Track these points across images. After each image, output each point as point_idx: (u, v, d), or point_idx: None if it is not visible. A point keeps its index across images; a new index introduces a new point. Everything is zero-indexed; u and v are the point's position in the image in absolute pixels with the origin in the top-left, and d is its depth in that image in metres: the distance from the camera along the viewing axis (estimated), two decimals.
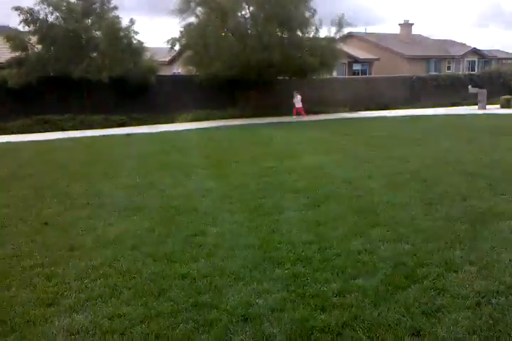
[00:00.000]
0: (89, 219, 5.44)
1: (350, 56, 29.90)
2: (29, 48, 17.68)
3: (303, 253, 4.12)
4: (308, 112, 20.89)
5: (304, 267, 3.82)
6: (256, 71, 19.20)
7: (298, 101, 20.36)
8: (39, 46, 17.79)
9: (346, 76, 29.55)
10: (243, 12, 19.37)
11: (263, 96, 21.29)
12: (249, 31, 19.23)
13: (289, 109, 20.73)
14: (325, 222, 5.04)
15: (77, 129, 17.17)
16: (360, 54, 31.68)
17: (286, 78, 21.80)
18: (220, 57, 18.25)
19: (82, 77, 17.36)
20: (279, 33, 19.22)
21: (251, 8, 19.12)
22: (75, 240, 4.70)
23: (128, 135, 14.52)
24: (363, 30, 38.14)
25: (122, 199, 6.39)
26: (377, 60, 32.04)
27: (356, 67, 31.44)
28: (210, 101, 20.97)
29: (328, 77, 23.58)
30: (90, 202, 6.26)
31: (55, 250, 4.42)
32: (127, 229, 5.03)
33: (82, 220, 5.41)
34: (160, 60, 24.48)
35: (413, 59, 34.00)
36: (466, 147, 10.25)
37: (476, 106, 23.15)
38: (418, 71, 31.54)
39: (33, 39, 17.77)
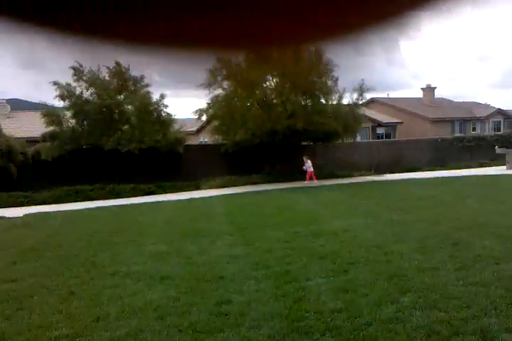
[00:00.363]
0: (115, 289, 5.42)
1: (373, 120, 30.46)
2: (63, 123, 18.63)
3: (332, 323, 3.98)
4: (332, 176, 20.96)
5: (333, 337, 3.68)
6: (281, 138, 19.77)
7: (309, 166, 20.44)
8: (73, 120, 18.75)
9: (370, 140, 29.91)
10: (268, 83, 20.29)
11: (288, 162, 21.63)
12: (274, 101, 19.99)
13: (316, 173, 20.90)
14: (354, 288, 4.90)
15: (106, 199, 17.57)
16: (384, 118, 32.25)
17: (311, 143, 22.25)
18: (245, 126, 18.89)
19: (112, 149, 18.10)
20: (302, 102, 19.94)
21: (275, 80, 20.02)
22: (101, 310, 4.66)
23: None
24: (386, 95, 39.14)
25: (148, 267, 6.39)
26: (401, 123, 32.48)
27: (380, 130, 31.88)
28: (235, 168, 21.39)
29: (352, 141, 23.92)
30: (117, 271, 6.26)
31: (81, 320, 4.39)
32: (152, 298, 4.98)
33: (108, 290, 5.40)
34: (188, 130, 25.40)
35: (437, 121, 34.34)
36: (497, 208, 10.02)
37: (505, 167, 22.86)
38: (443, 133, 31.72)
39: (68, 113, 18.78)
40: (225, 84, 20.18)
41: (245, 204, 13.67)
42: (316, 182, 19.70)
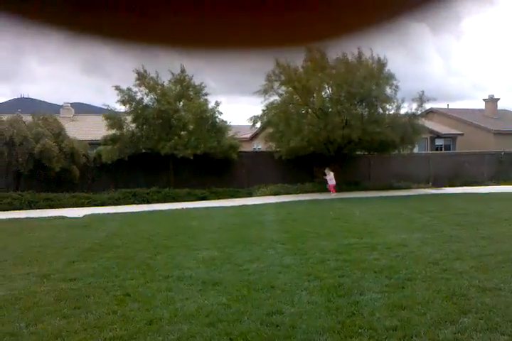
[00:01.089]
0: (169, 292, 5.50)
1: (432, 131, 29.52)
2: (124, 127, 19.29)
3: None
4: (389, 188, 20.47)
5: None
6: (335, 147, 19.59)
7: (330, 178, 19.68)
8: (133, 125, 19.38)
9: (428, 151, 29.00)
10: (324, 91, 20.16)
11: (341, 171, 21.34)
12: (330, 109, 19.83)
13: (371, 183, 20.50)
14: (410, 306, 4.72)
15: (161, 202, 17.98)
16: (443, 129, 31.20)
17: (366, 153, 21.87)
18: (300, 134, 18.81)
19: (168, 154, 18.57)
20: (359, 110, 19.65)
21: (332, 88, 19.86)
22: (154, 313, 4.74)
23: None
24: (445, 106, 37.86)
25: (201, 272, 6.45)
26: (461, 135, 31.30)
27: (439, 142, 30.85)
28: (288, 176, 21.34)
29: (410, 152, 23.29)
30: (170, 274, 6.36)
31: (135, 322, 4.47)
32: (204, 303, 5.01)
33: (161, 293, 5.49)
34: (242, 136, 25.64)
35: (500, 134, 32.84)
36: None
37: None
38: (506, 146, 30.27)
39: (128, 118, 19.44)
40: (282, 90, 20.24)
41: (298, 212, 13.58)
42: (333, 195, 19.08)
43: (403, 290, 5.32)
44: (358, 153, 21.82)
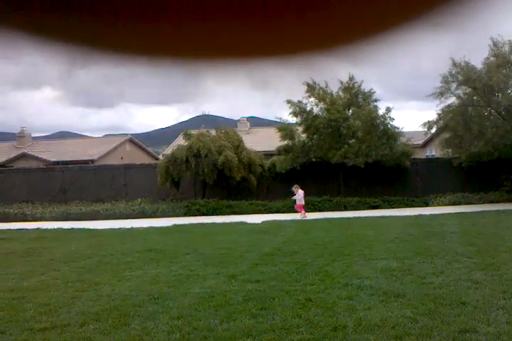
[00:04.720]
0: (350, 300, 5.46)
1: None
2: (295, 137, 19.95)
3: None
4: None
5: None
6: None
7: (300, 198, 16.68)
8: (303, 135, 19.93)
9: None
10: (510, 89, 18.22)
11: None
12: None
13: None
14: None
15: (332, 211, 18.08)
16: None
17: None
18: (483, 138, 17.23)
19: (338, 162, 18.64)
20: None
21: None
22: (338, 320, 4.75)
23: None
24: None
25: (380, 283, 6.28)
26: None
27: None
28: (469, 184, 19.67)
29: None
30: (350, 282, 6.32)
31: (319, 328, 4.54)
32: (388, 315, 4.86)
33: (342, 300, 5.48)
34: (413, 143, 24.50)
35: None
36: None
37: None
38: None
39: (299, 129, 20.08)
40: (459, 92, 18.85)
41: (483, 224, 12.40)
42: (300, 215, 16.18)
43: None
44: None
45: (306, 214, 16.25)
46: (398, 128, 19.47)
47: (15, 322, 5.13)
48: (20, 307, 5.74)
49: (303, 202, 16.77)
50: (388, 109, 19.35)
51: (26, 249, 10.63)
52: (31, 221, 17.89)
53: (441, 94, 18.64)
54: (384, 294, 5.70)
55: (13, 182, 22.18)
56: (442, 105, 19.11)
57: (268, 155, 21.00)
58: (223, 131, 19.99)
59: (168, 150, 24.61)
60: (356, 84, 19.53)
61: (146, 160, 31.68)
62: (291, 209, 18.11)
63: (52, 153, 29.78)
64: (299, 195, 16.74)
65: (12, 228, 15.38)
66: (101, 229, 14.08)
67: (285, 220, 14.90)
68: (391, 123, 19.33)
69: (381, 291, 5.81)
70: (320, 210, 18.24)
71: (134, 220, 16.79)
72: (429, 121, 19.72)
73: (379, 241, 10.05)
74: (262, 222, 14.45)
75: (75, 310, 5.48)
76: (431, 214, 15.35)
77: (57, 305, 5.76)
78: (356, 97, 19.53)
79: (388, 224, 13.14)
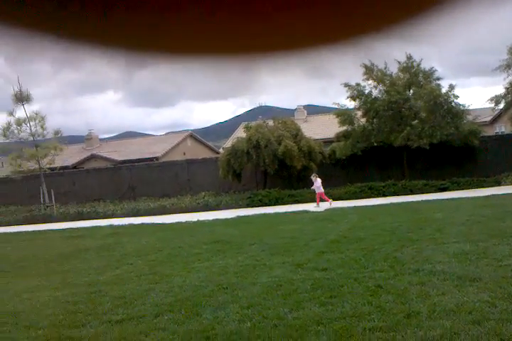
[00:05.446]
0: (422, 286, 5.32)
1: None
2: (354, 122, 19.57)
3: None
4: None
5: None
6: None
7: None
8: (363, 119, 19.51)
9: None
10: None
11: None
12: None
13: None
14: None
15: (397, 195, 17.64)
16: None
17: None
18: None
19: (401, 145, 18.10)
20: None
21: None
22: (410, 306, 4.64)
23: None
24: None
25: (454, 267, 6.06)
26: None
27: None
28: None
29: None
30: (421, 268, 6.15)
31: (392, 315, 4.45)
32: (464, 300, 4.68)
33: (414, 286, 5.34)
34: (480, 120, 23.33)
35: None
36: None
37: None
38: None
39: (358, 113, 19.67)
40: None
41: None
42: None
43: None
44: None
45: (331, 201, 16.13)
46: (463, 106, 18.62)
47: (94, 315, 5.39)
48: (97, 300, 6.04)
49: (322, 190, 16.68)
50: (451, 87, 18.53)
51: (101, 244, 11.19)
52: (103, 218, 18.80)
53: (508, 66, 17.62)
54: (458, 279, 5.50)
55: (85, 182, 23.38)
56: (510, 78, 18.06)
57: (327, 142, 20.78)
58: (281, 121, 19.97)
59: (228, 144, 24.94)
60: (415, 63, 18.82)
61: (207, 154, 32.29)
62: (353, 195, 17.87)
63: (119, 152, 31.05)
64: (317, 182, 16.68)
65: (86, 226, 16.23)
66: (169, 223, 14.55)
67: (348, 207, 14.71)
68: (455, 101, 18.52)
69: (455, 276, 5.61)
70: (384, 195, 17.85)
71: (199, 213, 17.23)
72: (496, 96, 18.73)
73: (449, 224, 9.70)
74: (325, 210, 14.35)
75: (149, 302, 5.70)
76: (504, 194, 14.59)
77: (132, 297, 6.02)
78: (416, 77, 18.82)
79: (458, 206, 12.64)
